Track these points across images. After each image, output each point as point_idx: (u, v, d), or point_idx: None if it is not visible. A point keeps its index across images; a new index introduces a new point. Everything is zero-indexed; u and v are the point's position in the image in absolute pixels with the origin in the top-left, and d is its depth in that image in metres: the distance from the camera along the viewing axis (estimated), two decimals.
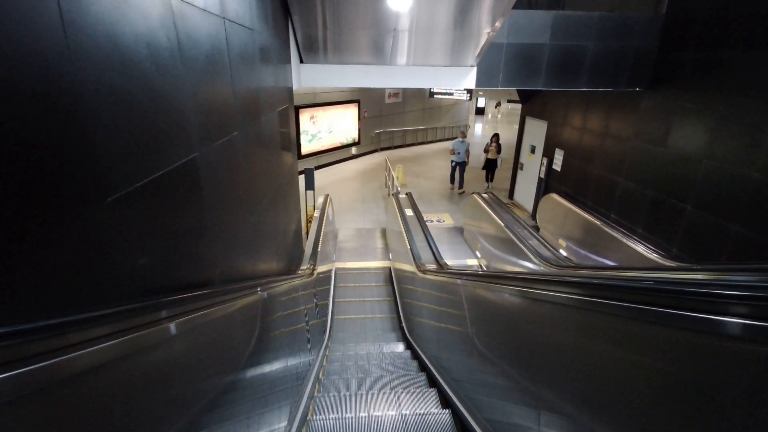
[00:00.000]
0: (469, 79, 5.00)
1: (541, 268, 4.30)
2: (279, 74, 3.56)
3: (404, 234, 5.01)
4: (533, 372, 1.51)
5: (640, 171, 5.37)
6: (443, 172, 12.72)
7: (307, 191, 6.85)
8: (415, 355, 3.98)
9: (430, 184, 10.84)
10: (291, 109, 4.72)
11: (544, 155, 7.89)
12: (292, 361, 2.69)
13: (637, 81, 5.24)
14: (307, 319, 3.48)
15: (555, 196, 7.08)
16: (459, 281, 2.75)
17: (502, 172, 12.72)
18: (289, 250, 4.32)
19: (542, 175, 7.86)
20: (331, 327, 4.63)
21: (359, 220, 8.23)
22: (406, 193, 7.07)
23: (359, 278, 5.89)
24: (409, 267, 4.57)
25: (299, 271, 4.04)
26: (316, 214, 5.74)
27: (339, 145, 12.76)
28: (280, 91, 3.61)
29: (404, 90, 15.34)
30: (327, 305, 4.79)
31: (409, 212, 6.08)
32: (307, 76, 4.92)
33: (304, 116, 11.14)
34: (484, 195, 6.89)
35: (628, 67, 5.19)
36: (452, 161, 10.04)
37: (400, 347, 4.16)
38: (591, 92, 6.44)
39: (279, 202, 3.75)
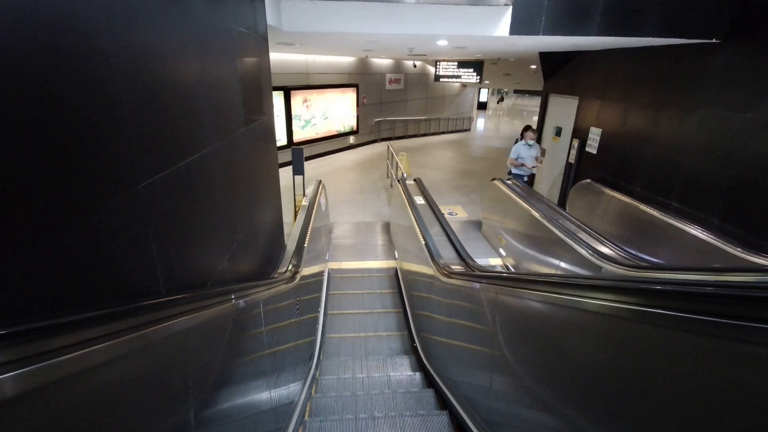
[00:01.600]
0: (502, 24, 3.84)
1: (609, 269, 3.16)
2: (240, 8, 2.42)
3: (416, 227, 3.88)
4: None
5: (715, 146, 4.24)
6: (450, 163, 11.59)
7: (296, 176, 5.69)
8: (438, 390, 2.84)
9: (438, 175, 9.70)
10: (265, 62, 3.57)
11: (573, 137, 6.75)
12: (254, 403, 1.60)
13: (714, 31, 4.11)
14: (282, 340, 2.36)
15: (591, 182, 5.94)
16: (516, 291, 1.64)
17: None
18: (262, 247, 3.18)
19: (572, 160, 6.73)
20: (321, 350, 3.48)
21: (358, 213, 7.08)
22: (414, 180, 5.93)
23: (359, 283, 4.74)
24: (425, 269, 3.43)
25: (275, 275, 2.89)
26: (305, 202, 4.59)
27: (335, 133, 11.60)
28: (243, 38, 2.46)
29: (406, 76, 14.21)
30: (316, 319, 3.64)
31: (419, 200, 4.93)
32: (289, 17, 3.75)
33: (296, 99, 9.97)
34: (508, 181, 5.75)
35: (703, 14, 4.05)
36: (513, 174, 6.18)
37: (417, 379, 3.01)
38: (639, 56, 5.31)
39: (244, 187, 2.67)
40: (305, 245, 3.50)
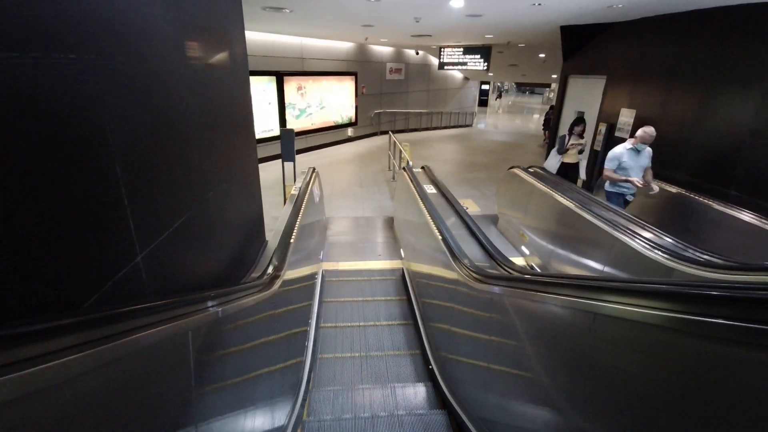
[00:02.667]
0: None
1: (688, 271, 2.40)
2: None
3: (430, 221, 3.12)
4: None
5: None
6: (455, 155, 10.84)
7: (286, 163, 4.91)
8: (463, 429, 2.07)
9: (444, 167, 8.93)
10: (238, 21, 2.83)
11: (600, 122, 6.00)
12: None
13: None
14: (247, 368, 1.61)
15: None
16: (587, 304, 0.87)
17: (527, 155, 10.85)
18: (229, 243, 2.42)
19: (598, 147, 5.98)
20: (310, 377, 2.70)
21: (357, 207, 6.30)
22: (422, 167, 5.16)
23: (359, 288, 3.97)
24: (443, 272, 2.67)
25: (248, 280, 2.13)
26: (294, 191, 3.82)
27: (332, 124, 10.82)
28: None
29: (407, 66, 13.44)
30: (305, 335, 2.87)
31: (430, 189, 4.17)
32: None
33: (290, 86, 9.20)
34: (530, 169, 4.99)
35: None
36: (609, 192, 4.24)
37: (439, 421, 2.23)
38: (685, 24, 4.56)
39: (214, 171, 1.96)
40: (291, 242, 2.73)
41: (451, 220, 3.24)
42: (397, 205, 5.38)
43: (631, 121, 5.38)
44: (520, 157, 10.41)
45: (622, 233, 3.01)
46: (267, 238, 3.43)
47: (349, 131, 11.49)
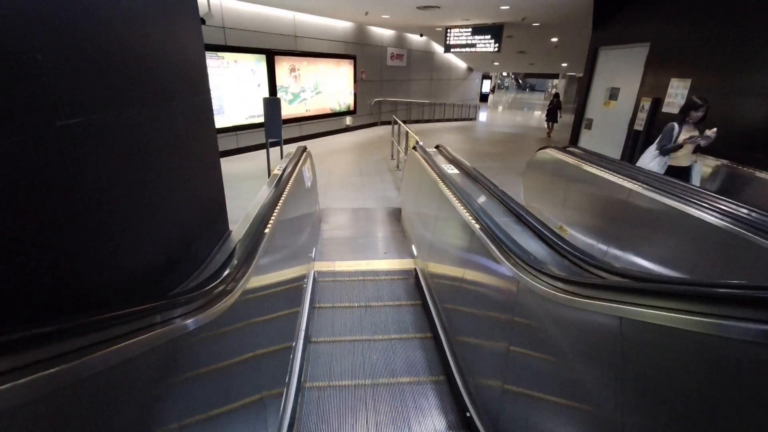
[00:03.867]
0: None
1: None
2: None
3: (458, 206, 2.26)
4: None
5: None
6: (464, 145, 9.97)
7: (271, 142, 4.00)
8: None
9: None
10: None
11: (642, 97, 5.13)
12: None
13: None
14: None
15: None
16: None
17: (540, 145, 9.90)
18: (171, 232, 1.52)
19: (640, 127, 5.11)
20: (294, 419, 1.81)
21: (357, 197, 5.41)
22: (436, 147, 4.28)
23: (360, 292, 3.08)
24: (484, 278, 1.80)
25: (174, 298, 1.22)
26: (278, 170, 2.93)
27: (329, 111, 9.93)
28: None
29: (409, 52, 12.56)
30: (287, 358, 1.98)
31: (451, 170, 3.28)
32: None
33: (282, 67, 8.29)
34: (570, 149, 4.12)
35: None
36: None
37: None
38: None
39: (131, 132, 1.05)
40: (266, 232, 1.85)
41: (490, 207, 2.36)
42: (406, 194, 4.48)
43: (686, 92, 4.52)
44: (534, 147, 9.55)
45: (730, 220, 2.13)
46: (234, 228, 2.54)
47: (347, 120, 10.60)
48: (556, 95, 13.35)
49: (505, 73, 41.29)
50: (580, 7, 6.47)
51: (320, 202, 4.90)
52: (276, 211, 2.15)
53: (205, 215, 1.90)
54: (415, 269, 3.42)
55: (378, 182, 6.13)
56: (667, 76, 4.77)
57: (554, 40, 11.66)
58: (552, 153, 4.19)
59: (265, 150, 5.51)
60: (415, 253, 3.52)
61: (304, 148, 3.88)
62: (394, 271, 3.44)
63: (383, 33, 11.16)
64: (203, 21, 5.15)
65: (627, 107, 5.41)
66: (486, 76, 26.77)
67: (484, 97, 27.09)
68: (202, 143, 1.92)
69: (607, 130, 5.79)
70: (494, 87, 30.74)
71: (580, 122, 6.44)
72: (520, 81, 43.99)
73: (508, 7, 7.01)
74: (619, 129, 5.52)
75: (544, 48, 12.55)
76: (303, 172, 3.42)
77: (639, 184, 2.86)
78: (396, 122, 7.19)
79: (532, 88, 42.41)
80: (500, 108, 24.66)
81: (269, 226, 1.96)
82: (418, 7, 7.16)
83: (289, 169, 2.95)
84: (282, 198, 2.35)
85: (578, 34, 9.88)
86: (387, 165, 7.26)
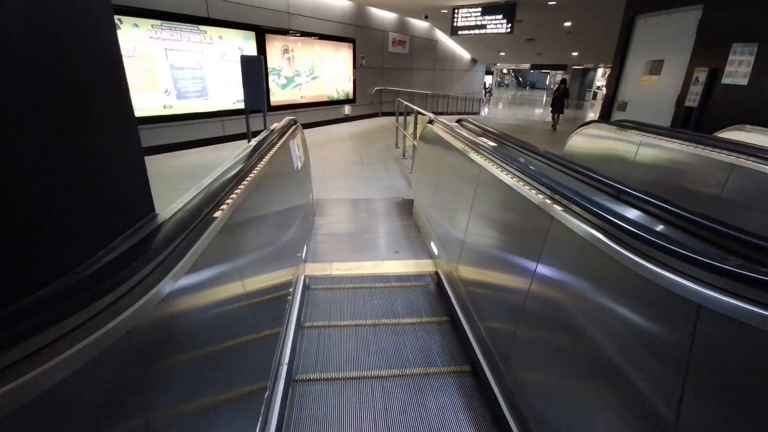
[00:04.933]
0: None
1: None
2: None
3: (515, 182, 1.48)
4: None
5: None
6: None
7: (250, 112, 3.20)
8: None
9: None
10: None
11: (696, 67, 4.35)
12: None
13: None
14: None
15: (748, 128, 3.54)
16: None
17: (549, 135, 9.11)
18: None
19: (692, 103, 4.33)
20: None
21: (358, 187, 4.60)
22: (458, 120, 3.48)
23: (365, 305, 2.28)
24: (624, 298, 0.99)
25: None
26: (254, 142, 2.12)
27: (326, 99, 9.12)
28: None
29: (412, 39, 11.78)
30: (257, 403, 1.20)
31: (487, 142, 2.48)
32: None
33: (275, 47, 7.49)
34: (626, 122, 3.34)
35: None
36: None
37: None
38: None
39: None
40: (215, 217, 1.05)
41: (568, 184, 1.58)
42: (422, 181, 3.68)
43: (752, 59, 3.75)
44: (540, 138, 8.83)
45: None
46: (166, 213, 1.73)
47: (346, 109, 9.80)
48: (563, 81, 12.00)
49: (505, 70, 40.61)
50: None
51: (315, 191, 4.11)
52: (241, 187, 1.36)
53: (100, 193, 1.10)
54: (437, 273, 2.63)
55: (382, 171, 5.33)
56: (726, 42, 4.00)
57: (567, 24, 10.91)
58: (598, 126, 3.41)
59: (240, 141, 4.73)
60: (436, 251, 2.73)
61: (294, 120, 3.08)
62: (408, 276, 2.65)
63: (384, 16, 10.37)
64: None
65: (674, 82, 4.63)
66: (488, 71, 25.99)
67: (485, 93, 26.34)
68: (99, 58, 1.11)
69: (647, 110, 5.01)
70: (490, 90, 28.71)
71: (611, 106, 5.66)
72: (520, 78, 43.31)
73: None
74: (664, 108, 4.74)
75: (555, 35, 11.79)
76: (291, 147, 2.63)
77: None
78: (402, 105, 6.40)
79: (533, 86, 41.76)
80: (500, 105, 23.91)
81: (223, 208, 1.17)
82: None
83: (270, 141, 2.16)
84: (254, 173, 1.56)
85: (598, 14, 9.13)
86: (391, 153, 6.47)
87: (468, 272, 2.08)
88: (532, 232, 1.42)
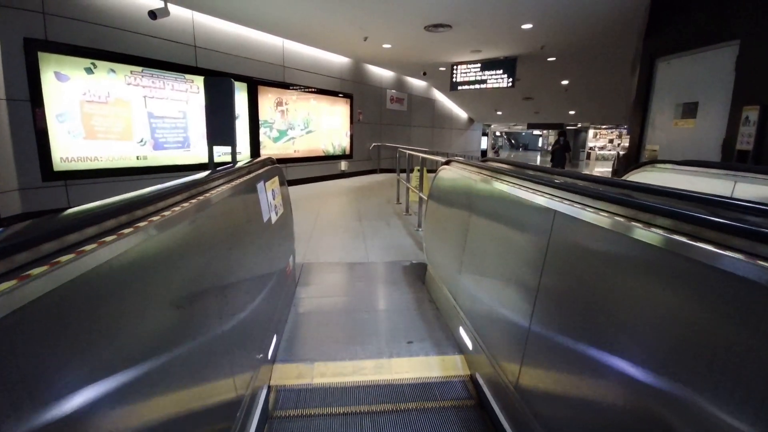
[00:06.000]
0: None
1: None
2: None
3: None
4: None
5: None
6: None
7: (213, 144, 2.46)
8: None
9: None
10: None
11: (744, 106, 3.79)
12: None
13: None
14: None
15: None
16: None
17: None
18: None
19: (745, 146, 3.71)
20: None
21: (355, 246, 3.77)
22: (483, 159, 2.76)
23: None
24: None
25: None
26: (200, 174, 1.32)
27: (322, 153, 8.64)
28: None
29: (410, 96, 11.73)
30: None
31: (559, 178, 1.70)
32: None
33: (267, 99, 7.11)
34: (696, 162, 2.65)
35: None
36: None
37: None
38: None
39: None
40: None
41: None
42: (438, 237, 2.85)
43: None
44: None
45: None
46: None
47: (343, 165, 9.30)
48: (563, 133, 10.85)
49: (498, 133, 41.96)
50: (624, 13, 5.45)
51: (300, 253, 3.28)
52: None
53: None
54: (473, 378, 1.71)
55: (383, 227, 4.54)
56: None
57: (565, 82, 10.91)
58: (657, 169, 2.69)
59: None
60: (470, 344, 1.83)
61: (272, 160, 2.35)
62: (430, 385, 1.72)
63: (382, 74, 10.33)
64: (153, 15, 3.91)
65: (715, 123, 4.06)
66: (483, 133, 26.55)
67: (482, 155, 26.67)
68: None
69: (686, 156, 4.38)
70: (497, 149, 29.43)
71: (637, 156, 5.07)
72: (513, 141, 44.62)
73: (530, 26, 6.00)
74: (707, 152, 4.12)
75: (553, 91, 11.81)
76: (260, 190, 1.85)
77: None
78: (405, 155, 5.81)
79: (526, 147, 42.91)
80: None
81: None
82: (426, 28, 6.14)
83: (226, 179, 1.38)
84: (187, 218, 0.75)
85: (598, 69, 9.04)
86: (393, 208, 5.74)
87: (541, 381, 1.19)
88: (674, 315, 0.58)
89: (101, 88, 4.73)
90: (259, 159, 2.23)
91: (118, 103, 4.93)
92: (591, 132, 25.05)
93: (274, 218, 2.14)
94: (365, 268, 3.22)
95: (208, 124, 2.35)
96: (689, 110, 4.45)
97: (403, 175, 6.02)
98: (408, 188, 5.30)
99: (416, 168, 5.67)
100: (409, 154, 5.49)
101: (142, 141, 5.24)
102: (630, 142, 5.36)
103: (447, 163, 2.69)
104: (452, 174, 2.42)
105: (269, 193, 2.08)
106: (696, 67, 4.35)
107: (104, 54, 4.71)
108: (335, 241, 3.95)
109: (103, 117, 4.81)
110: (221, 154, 2.95)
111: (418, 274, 3.03)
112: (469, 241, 2.01)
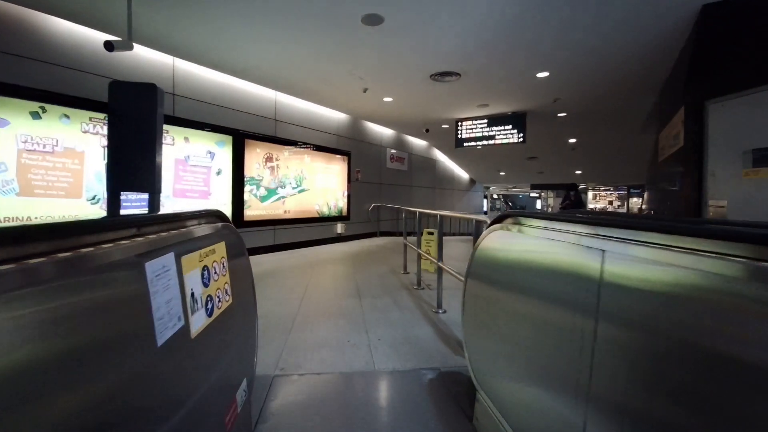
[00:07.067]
0: None
1: None
2: None
3: None
4: None
5: None
6: None
7: (122, 190, 1.51)
8: None
9: None
10: None
11: None
12: None
13: None
14: None
15: None
16: None
17: None
18: None
19: None
20: None
21: (355, 344, 2.64)
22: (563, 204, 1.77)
23: None
24: None
25: None
26: None
27: (315, 215, 7.74)
28: None
29: (410, 156, 11.22)
30: None
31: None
32: None
33: (255, 154, 6.38)
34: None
35: None
36: None
37: None
38: None
39: None
40: None
41: None
42: (497, 341, 1.77)
43: None
44: None
45: None
46: None
47: (339, 227, 8.37)
48: (573, 186, 9.03)
49: (495, 195, 42.16)
50: (653, 61, 4.90)
51: (273, 355, 2.17)
52: None
53: None
54: None
55: (391, 309, 3.44)
56: None
57: (572, 141, 10.49)
58: None
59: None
60: None
61: (220, 216, 1.37)
62: None
63: (382, 131, 9.86)
64: (110, 47, 3.22)
65: None
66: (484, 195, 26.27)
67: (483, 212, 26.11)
68: None
69: (765, 210, 3.48)
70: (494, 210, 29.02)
71: (698, 212, 4.18)
72: (510, 203, 44.75)
73: (547, 74, 5.46)
74: None
75: (559, 149, 11.38)
76: (169, 277, 0.83)
77: None
78: (413, 215, 4.91)
79: (523, 209, 42.92)
80: None
81: None
82: (432, 76, 5.60)
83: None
84: None
85: (609, 126, 8.56)
86: (399, 280, 4.67)
87: None
88: None
89: (48, 136, 3.92)
90: (188, 212, 1.24)
91: (68, 153, 4.09)
92: (591, 193, 24.79)
93: (200, 324, 1.10)
94: (368, 384, 2.08)
95: (110, 159, 1.40)
96: (763, 158, 3.62)
97: (411, 239, 5.05)
98: (419, 254, 4.29)
99: (426, 230, 4.72)
100: (419, 212, 4.57)
101: (94, 198, 4.32)
102: (681, 200, 4.49)
103: (498, 221, 1.72)
104: (531, 241, 1.42)
105: (191, 277, 1.07)
106: (761, 106, 3.61)
107: (56, 97, 3.98)
108: (325, 332, 2.83)
109: (45, 170, 3.94)
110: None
111: (453, 395, 1.91)
112: (598, 367, 0.95)
